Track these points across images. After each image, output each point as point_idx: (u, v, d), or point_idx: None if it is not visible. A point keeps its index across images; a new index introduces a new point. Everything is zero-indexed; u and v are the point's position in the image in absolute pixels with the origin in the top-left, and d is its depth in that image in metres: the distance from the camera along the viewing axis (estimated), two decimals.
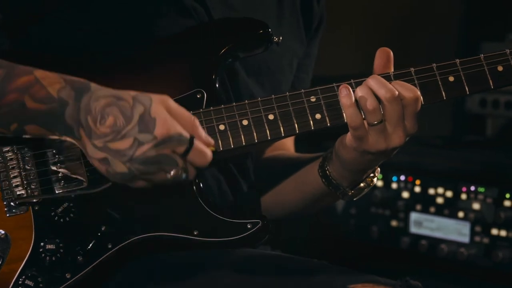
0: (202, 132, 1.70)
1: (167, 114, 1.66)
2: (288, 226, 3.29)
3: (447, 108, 3.60)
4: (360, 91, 1.80)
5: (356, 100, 1.80)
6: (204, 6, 1.95)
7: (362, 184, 1.96)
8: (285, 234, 3.24)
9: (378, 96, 1.79)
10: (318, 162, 1.99)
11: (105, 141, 1.65)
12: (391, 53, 1.86)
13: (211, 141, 1.72)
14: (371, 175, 1.96)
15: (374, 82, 1.80)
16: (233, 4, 2.01)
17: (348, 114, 1.80)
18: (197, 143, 1.67)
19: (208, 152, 1.69)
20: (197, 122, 1.70)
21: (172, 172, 1.65)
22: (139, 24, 1.90)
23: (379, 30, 3.83)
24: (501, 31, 3.45)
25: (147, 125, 1.64)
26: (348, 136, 1.84)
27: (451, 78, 1.84)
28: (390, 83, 1.80)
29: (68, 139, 1.70)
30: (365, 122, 1.81)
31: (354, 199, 1.99)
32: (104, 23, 1.88)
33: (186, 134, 1.66)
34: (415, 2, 3.90)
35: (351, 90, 1.80)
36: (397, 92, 1.78)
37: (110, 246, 1.77)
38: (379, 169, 1.97)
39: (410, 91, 1.79)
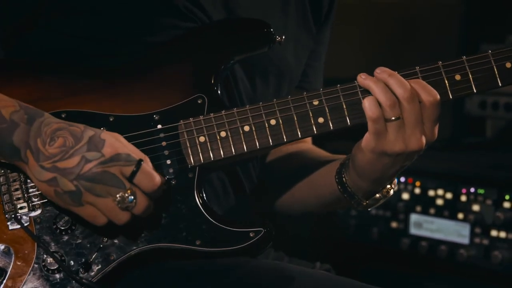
0: (151, 167, 1.70)
1: (116, 140, 1.67)
2: (290, 228, 3.29)
3: (447, 110, 3.58)
4: (377, 87, 1.77)
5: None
6: (199, 6, 1.91)
7: (378, 195, 1.92)
8: (286, 235, 3.25)
9: (395, 95, 1.76)
10: (335, 167, 1.95)
11: (53, 161, 1.66)
12: None
13: (163, 178, 1.71)
14: (388, 186, 1.92)
15: (393, 80, 1.77)
16: None
17: (368, 105, 1.77)
18: (145, 165, 1.67)
19: (157, 176, 1.68)
20: (147, 160, 1.70)
21: (117, 196, 1.64)
22: (135, 29, 1.87)
23: (380, 31, 3.83)
24: (501, 32, 3.45)
25: (96, 145, 1.66)
26: (366, 137, 1.80)
27: (458, 77, 1.81)
28: (411, 80, 1.77)
29: (15, 163, 1.70)
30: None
31: (369, 209, 1.95)
32: (100, 29, 1.86)
33: (135, 156, 1.67)
34: (416, 3, 3.90)
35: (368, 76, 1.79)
36: (415, 92, 1.76)
37: (112, 258, 1.76)
38: (396, 181, 1.93)
39: (430, 95, 1.77)
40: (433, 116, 1.78)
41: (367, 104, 1.77)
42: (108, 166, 1.64)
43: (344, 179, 1.91)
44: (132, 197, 1.65)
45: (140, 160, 1.66)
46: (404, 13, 3.87)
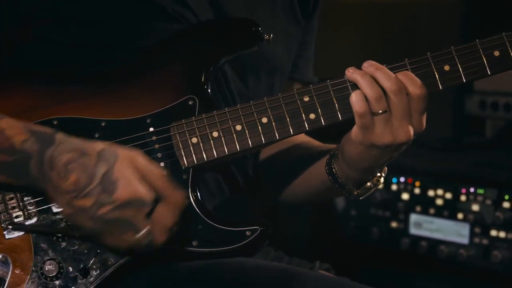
0: (171, 186, 1.69)
1: (131, 175, 1.66)
2: (290, 227, 3.30)
3: (446, 110, 3.61)
4: (363, 81, 1.77)
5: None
6: (186, 6, 1.91)
7: (368, 184, 1.93)
8: (286, 235, 3.26)
9: (383, 88, 1.76)
10: (326, 158, 1.96)
11: (70, 198, 1.65)
12: None
13: (182, 193, 1.71)
14: (378, 174, 1.92)
15: (380, 74, 1.77)
16: None
17: (354, 100, 1.77)
18: (162, 206, 1.67)
19: (175, 211, 1.68)
20: (165, 175, 1.70)
21: (133, 237, 1.66)
22: (126, 35, 1.87)
23: (380, 31, 3.84)
24: (501, 31, 3.44)
25: (109, 187, 1.65)
26: (354, 129, 1.80)
27: (447, 67, 1.81)
28: (399, 72, 1.78)
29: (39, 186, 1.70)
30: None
31: (360, 198, 1.96)
32: (90, 36, 1.85)
33: (149, 197, 1.66)
34: (415, 3, 3.90)
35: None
36: (403, 85, 1.76)
37: (110, 263, 1.75)
38: (386, 169, 1.93)
39: (417, 87, 1.77)
40: (420, 107, 1.78)
41: (354, 99, 1.78)
42: (122, 211, 1.65)
43: (334, 169, 1.92)
44: (147, 239, 1.67)
45: (156, 200, 1.67)
46: (404, 13, 3.87)
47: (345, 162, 1.88)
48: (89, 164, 1.66)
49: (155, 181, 1.68)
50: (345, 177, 1.91)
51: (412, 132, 1.79)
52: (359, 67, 1.81)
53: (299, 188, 2.11)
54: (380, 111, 1.76)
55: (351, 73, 1.80)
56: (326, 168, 1.94)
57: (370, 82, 1.77)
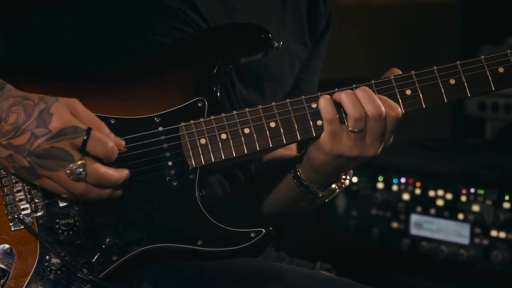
0: (111, 134, 1.71)
1: (66, 112, 1.67)
2: (291, 228, 3.31)
3: (447, 111, 3.62)
4: (347, 98, 1.80)
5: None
6: (196, 10, 1.94)
7: (333, 186, 1.97)
8: (288, 235, 3.27)
9: (364, 110, 1.79)
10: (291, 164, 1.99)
11: (8, 138, 1.67)
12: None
13: (121, 141, 1.72)
14: (343, 177, 1.97)
15: (363, 95, 1.80)
16: (234, 6, 2.00)
17: (324, 106, 1.80)
18: (95, 133, 1.67)
19: (109, 142, 1.68)
20: (103, 126, 1.71)
21: (67, 167, 1.65)
22: (131, 27, 1.89)
23: (380, 35, 3.85)
24: (500, 35, 3.46)
25: (44, 120, 1.66)
26: (323, 137, 1.83)
27: (452, 81, 1.84)
28: (379, 96, 1.80)
29: None
30: (344, 126, 1.81)
31: (326, 200, 1.99)
32: (97, 23, 1.88)
33: (83, 126, 1.66)
34: (415, 7, 3.92)
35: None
36: (383, 110, 1.79)
37: (115, 258, 1.77)
38: (352, 172, 1.98)
39: (393, 110, 1.80)
40: (394, 128, 1.83)
41: (323, 105, 1.81)
42: (56, 142, 1.65)
43: (298, 173, 1.96)
44: (81, 169, 1.66)
45: (89, 129, 1.67)
46: (403, 14, 3.89)
47: (311, 167, 1.92)
48: (30, 105, 1.68)
49: (90, 124, 1.69)
50: (310, 180, 1.95)
51: (380, 149, 1.84)
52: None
53: (272, 198, 2.12)
54: (356, 130, 1.80)
55: (336, 94, 1.82)
56: (292, 171, 1.98)
57: (353, 101, 1.79)
